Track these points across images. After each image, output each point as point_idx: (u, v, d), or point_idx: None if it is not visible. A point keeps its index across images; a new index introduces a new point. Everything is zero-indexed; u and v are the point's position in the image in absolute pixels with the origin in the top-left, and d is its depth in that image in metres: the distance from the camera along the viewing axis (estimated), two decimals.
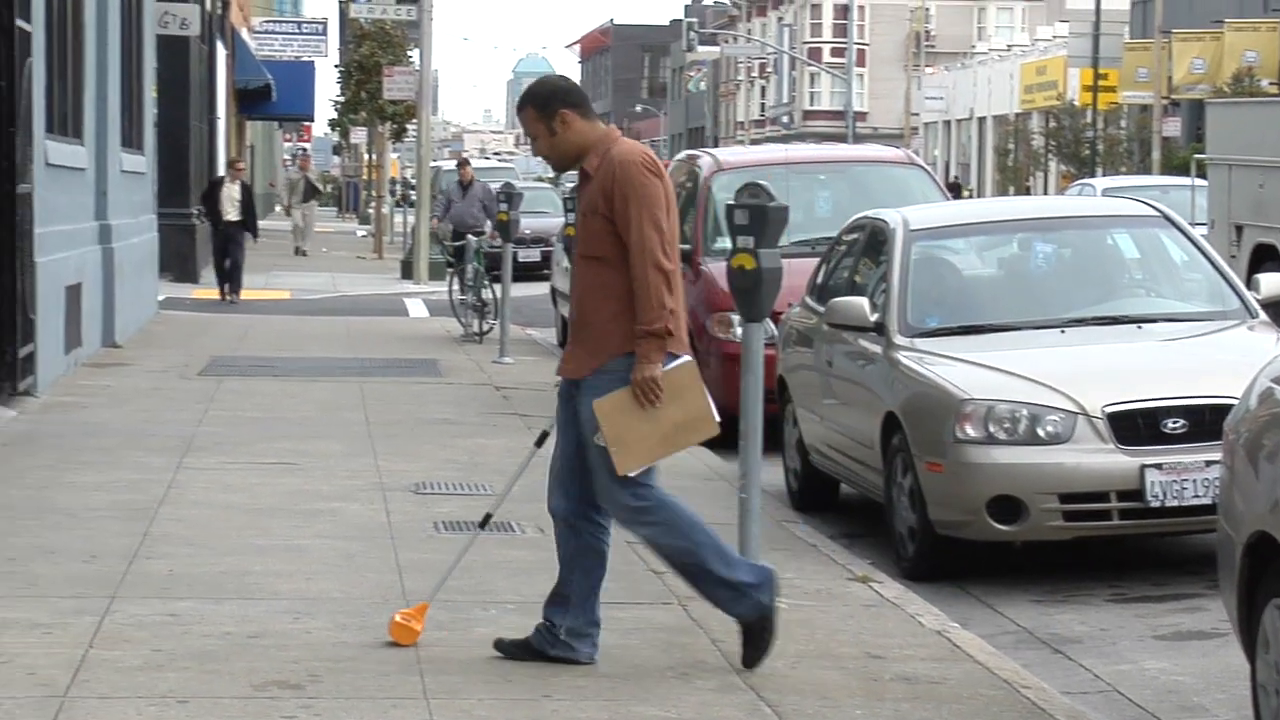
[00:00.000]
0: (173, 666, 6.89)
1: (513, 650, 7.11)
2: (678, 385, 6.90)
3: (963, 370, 9.48)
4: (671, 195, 6.98)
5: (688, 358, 7.00)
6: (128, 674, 6.78)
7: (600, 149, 6.94)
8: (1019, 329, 10.07)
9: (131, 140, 20.96)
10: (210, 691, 6.60)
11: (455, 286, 22.58)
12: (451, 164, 65.08)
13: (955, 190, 51.04)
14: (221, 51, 38.94)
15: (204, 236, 29.31)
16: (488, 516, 7.71)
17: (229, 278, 26.65)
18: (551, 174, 68.18)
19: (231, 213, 26.50)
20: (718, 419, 7.09)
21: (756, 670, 7.06)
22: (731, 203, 8.36)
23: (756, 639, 7.00)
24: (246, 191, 27.41)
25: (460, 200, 26.40)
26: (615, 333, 6.86)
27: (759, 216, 8.18)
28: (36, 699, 6.43)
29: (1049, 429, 9.07)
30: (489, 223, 25.41)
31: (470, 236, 23.10)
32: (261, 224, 31.46)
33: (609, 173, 6.82)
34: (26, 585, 8.14)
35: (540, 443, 7.41)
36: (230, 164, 28.80)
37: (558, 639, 7.05)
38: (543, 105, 6.97)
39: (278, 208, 56.80)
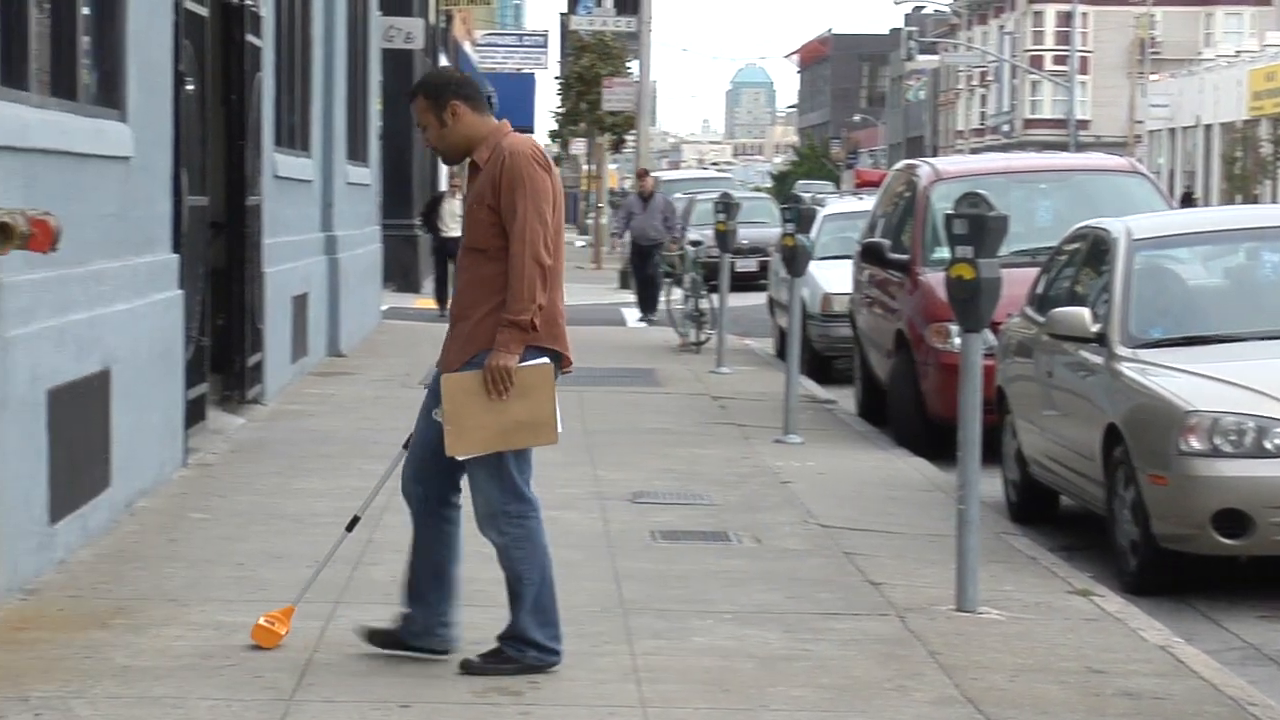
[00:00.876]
0: (395, 672, 6.99)
1: (381, 640, 7.18)
2: (527, 384, 6.84)
3: (1187, 381, 9.32)
4: (560, 191, 6.95)
5: (545, 360, 6.92)
6: (351, 679, 6.89)
7: (491, 141, 6.88)
8: (1245, 340, 9.88)
9: (357, 153, 21.30)
10: (431, 697, 6.69)
11: (673, 296, 22.65)
12: (671, 174, 65.41)
13: (1188, 202, 50.18)
14: (444, 64, 39.45)
15: (426, 248, 29.34)
16: (355, 520, 7.79)
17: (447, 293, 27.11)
18: (769, 185, 68.10)
19: (453, 228, 25.70)
20: (559, 430, 7.02)
21: (973, 682, 7.01)
22: (950, 212, 8.31)
23: (496, 663, 7.01)
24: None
25: (641, 213, 26.17)
26: (488, 327, 6.81)
27: (978, 226, 8.12)
28: (263, 701, 6.56)
29: (1277, 441, 8.89)
30: (669, 235, 25.77)
31: (690, 247, 23.22)
32: None
33: (498, 163, 6.76)
34: (255, 589, 8.31)
35: (407, 445, 7.38)
36: (451, 179, 28.26)
37: (415, 632, 7.14)
38: (435, 95, 6.90)
39: None
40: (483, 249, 6.82)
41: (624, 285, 32.95)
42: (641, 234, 26.07)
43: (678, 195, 42.55)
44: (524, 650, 6.98)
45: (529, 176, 6.74)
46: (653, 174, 30.00)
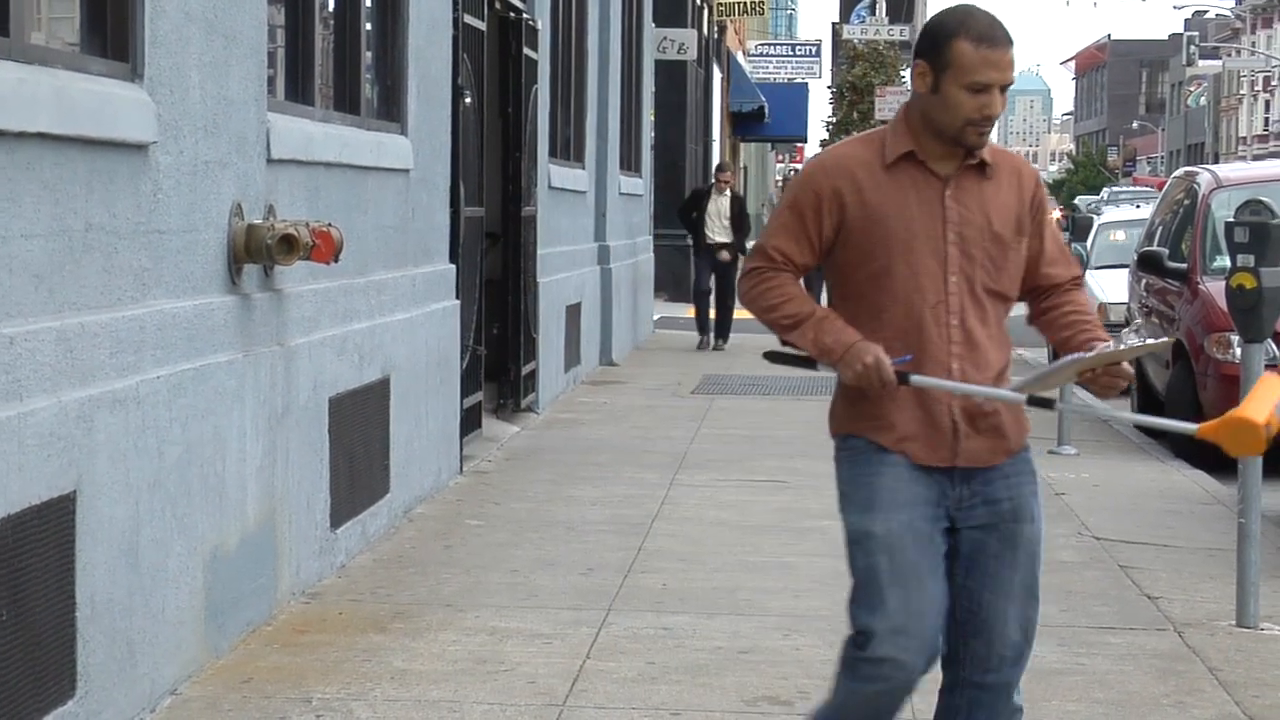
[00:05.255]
0: (665, 679, 7.03)
1: None
2: None
3: None
4: None
5: None
6: (623, 685, 6.95)
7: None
8: None
9: (630, 163, 21.47)
10: (702, 704, 6.72)
11: None
12: None
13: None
14: (717, 74, 39.61)
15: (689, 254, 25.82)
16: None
17: (720, 324, 22.04)
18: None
19: (718, 233, 21.96)
20: None
21: (1254, 700, 6.85)
22: (1231, 220, 8.14)
23: None
24: (738, 204, 22.38)
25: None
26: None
27: (1260, 234, 7.95)
28: (536, 707, 6.64)
29: None
30: None
31: None
32: (754, 243, 31.09)
33: (1023, 175, 4.84)
34: (528, 596, 8.41)
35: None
36: (716, 172, 23.11)
37: None
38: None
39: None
40: (1007, 295, 4.82)
41: None
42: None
43: None
44: None
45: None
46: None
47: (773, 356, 4.94)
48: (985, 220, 4.76)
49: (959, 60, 4.64)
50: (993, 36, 4.63)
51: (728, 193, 22.06)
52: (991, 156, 4.79)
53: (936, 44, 4.67)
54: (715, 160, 35.46)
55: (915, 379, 4.69)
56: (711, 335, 21.96)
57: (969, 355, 4.75)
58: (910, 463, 4.75)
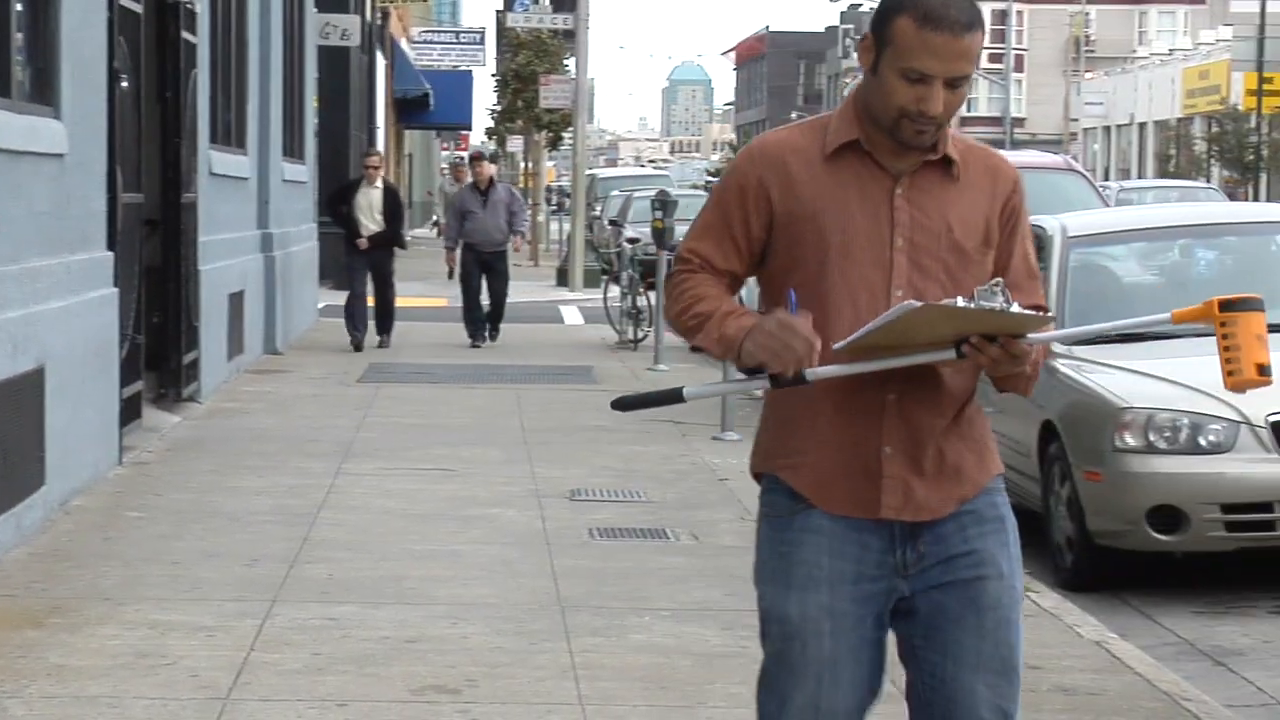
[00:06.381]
0: (332, 670, 6.97)
1: None
2: None
3: (1122, 378, 9.38)
4: None
5: None
6: (288, 677, 6.87)
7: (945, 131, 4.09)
8: (1180, 336, 9.94)
9: (293, 150, 21.23)
10: (369, 695, 6.67)
11: (610, 293, 22.63)
12: (608, 172, 65.09)
13: None
14: (381, 61, 39.37)
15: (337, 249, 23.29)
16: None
17: (382, 317, 20.40)
18: (705, 180, 68.23)
19: (370, 226, 20.31)
20: None
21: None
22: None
23: None
24: (391, 195, 20.71)
25: (481, 210, 21.07)
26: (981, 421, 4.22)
27: None
28: (200, 700, 6.53)
29: (1211, 438, 8.95)
30: (518, 231, 21.59)
31: (627, 244, 22.87)
32: (419, 231, 30.74)
33: (1001, 178, 4.13)
34: (191, 588, 8.27)
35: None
36: (364, 158, 21.65)
37: None
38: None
39: (436, 217, 57.30)
40: None
41: (561, 282, 32.91)
42: (484, 238, 21.04)
43: (615, 192, 42.63)
44: None
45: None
46: (588, 171, 27.90)
47: (622, 405, 4.11)
48: (944, 226, 3.94)
49: (898, 39, 3.84)
50: (941, 18, 3.80)
51: (379, 183, 20.46)
52: (961, 152, 4.00)
53: (883, 16, 3.89)
54: (380, 148, 35.18)
55: (811, 373, 3.80)
56: (360, 335, 20.00)
57: (913, 387, 3.90)
58: (835, 519, 3.92)
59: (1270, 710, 7.25)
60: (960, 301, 3.72)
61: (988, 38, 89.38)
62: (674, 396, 3.97)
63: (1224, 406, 8.97)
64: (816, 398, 3.88)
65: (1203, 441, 8.95)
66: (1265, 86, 48.88)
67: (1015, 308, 3.76)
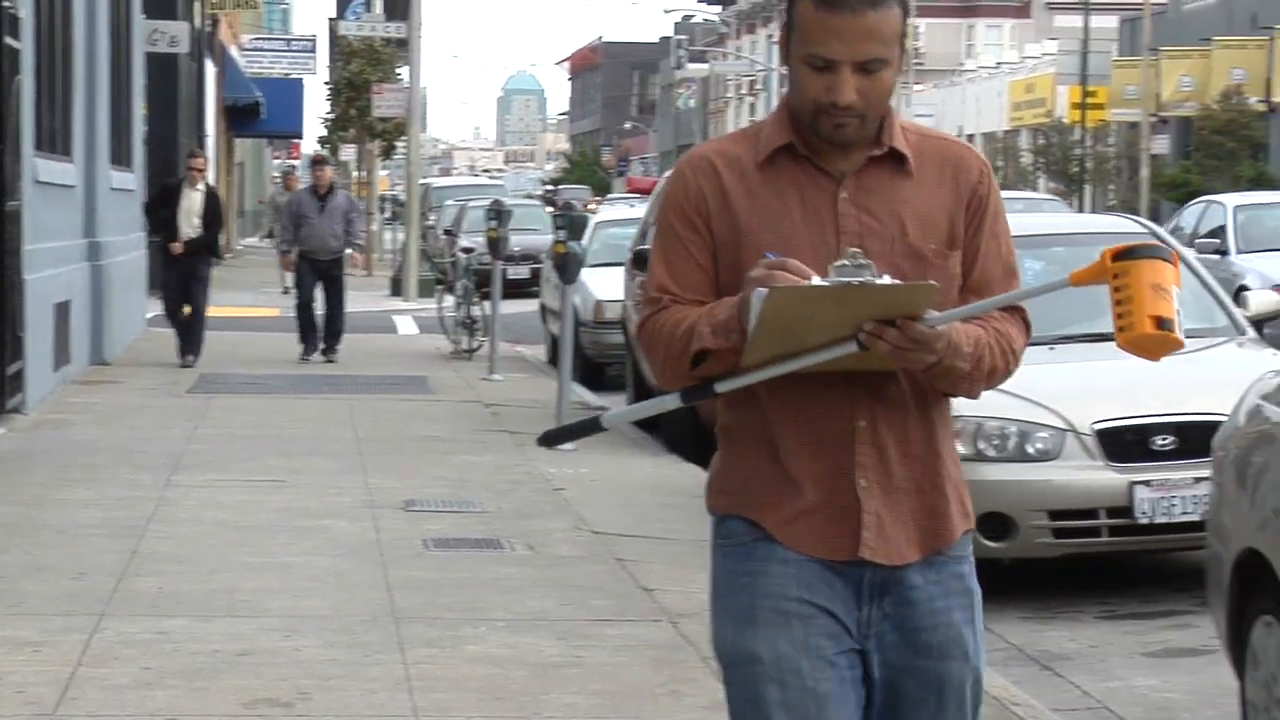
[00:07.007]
0: (162, 684, 6.88)
1: None
2: None
3: None
4: None
5: None
6: (117, 692, 6.77)
7: (890, 119, 3.70)
8: (1047, 343, 10.04)
9: (121, 158, 20.96)
10: (200, 709, 6.59)
11: (444, 303, 22.55)
12: (442, 181, 64.69)
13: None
14: (211, 69, 38.99)
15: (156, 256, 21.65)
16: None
17: (188, 331, 19.10)
18: (540, 190, 68.18)
19: (188, 231, 18.99)
20: None
21: None
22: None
23: None
24: (212, 199, 19.45)
25: (317, 216, 20.07)
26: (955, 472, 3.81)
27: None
28: (25, 717, 6.42)
29: (1038, 446, 9.08)
30: (356, 244, 20.98)
31: (461, 254, 22.76)
32: (250, 241, 30.33)
33: (968, 169, 3.68)
34: (16, 603, 8.13)
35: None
36: (188, 159, 20.47)
37: None
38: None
39: (267, 225, 56.83)
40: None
41: (395, 292, 32.73)
42: (320, 244, 20.06)
43: (450, 202, 42.48)
44: None
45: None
46: (422, 180, 27.39)
47: (546, 440, 3.87)
48: (897, 229, 3.55)
49: (799, 23, 3.48)
50: None
51: (201, 186, 19.14)
52: (914, 144, 3.60)
53: (789, 1, 3.51)
54: (210, 156, 34.77)
55: (720, 385, 3.51)
56: (186, 350, 19.07)
57: (885, 410, 3.56)
58: (807, 559, 3.56)
59: (1096, 713, 7.36)
60: (816, 280, 3.33)
61: None
62: (593, 426, 3.72)
63: (1051, 415, 9.11)
64: (778, 427, 3.53)
65: (1030, 449, 9.08)
66: (1088, 100, 49.69)
67: (886, 279, 3.34)
